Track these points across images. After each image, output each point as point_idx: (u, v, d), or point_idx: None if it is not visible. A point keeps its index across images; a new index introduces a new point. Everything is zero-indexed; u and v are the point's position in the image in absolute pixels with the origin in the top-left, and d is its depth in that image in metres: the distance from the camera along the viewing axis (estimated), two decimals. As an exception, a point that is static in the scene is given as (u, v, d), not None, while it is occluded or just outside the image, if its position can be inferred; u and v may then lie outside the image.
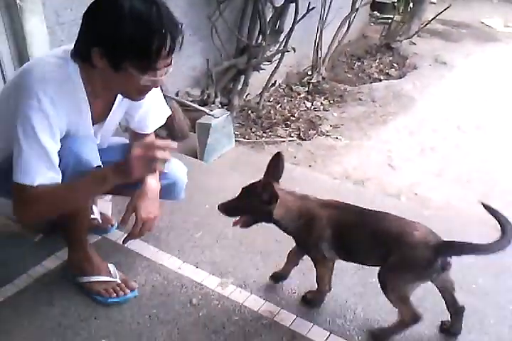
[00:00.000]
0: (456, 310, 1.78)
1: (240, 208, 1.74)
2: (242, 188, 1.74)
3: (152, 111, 1.93)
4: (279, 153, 1.75)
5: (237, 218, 1.78)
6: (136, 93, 1.61)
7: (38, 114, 1.49)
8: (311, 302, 1.91)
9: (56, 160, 1.55)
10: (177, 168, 2.05)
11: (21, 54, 2.55)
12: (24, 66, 1.63)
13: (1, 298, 1.90)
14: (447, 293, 1.75)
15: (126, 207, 1.79)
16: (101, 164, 1.69)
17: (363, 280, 2.03)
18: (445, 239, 1.64)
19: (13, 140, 1.52)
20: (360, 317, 1.87)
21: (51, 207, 1.59)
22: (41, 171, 1.52)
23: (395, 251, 1.60)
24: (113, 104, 1.77)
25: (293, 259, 1.95)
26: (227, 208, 1.74)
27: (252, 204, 1.70)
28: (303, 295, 1.93)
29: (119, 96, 1.75)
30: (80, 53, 1.54)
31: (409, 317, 1.69)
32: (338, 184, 3.01)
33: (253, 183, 1.72)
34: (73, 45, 1.57)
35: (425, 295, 1.87)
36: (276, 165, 1.75)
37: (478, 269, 2.14)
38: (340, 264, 1.85)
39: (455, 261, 2.18)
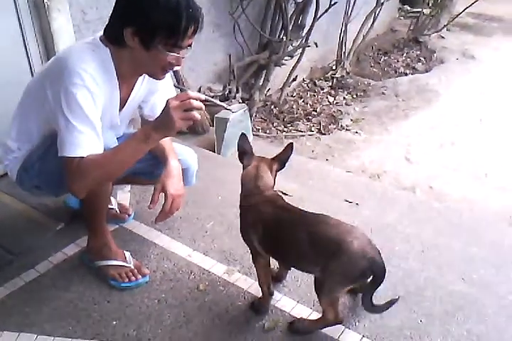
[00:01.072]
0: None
1: None
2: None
3: (164, 98, 2.02)
4: (291, 143, 1.80)
5: None
6: (161, 71, 1.74)
7: (82, 91, 1.60)
8: (256, 310, 1.90)
9: (100, 132, 1.66)
10: (189, 155, 2.17)
11: (49, 51, 2.68)
12: (57, 55, 1.76)
13: (22, 282, 2.03)
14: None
15: (154, 188, 1.87)
16: None
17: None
18: (379, 252, 1.66)
19: (58, 118, 1.61)
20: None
21: (103, 173, 1.66)
22: (89, 142, 1.61)
23: (332, 258, 1.60)
24: (132, 89, 1.89)
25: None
26: None
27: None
28: (252, 301, 1.94)
29: (139, 82, 1.88)
30: (112, 35, 1.67)
31: (333, 318, 1.73)
32: (351, 177, 3.06)
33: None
34: (103, 31, 1.71)
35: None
36: (284, 152, 1.81)
37: (480, 260, 2.19)
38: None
39: (460, 252, 2.24)
